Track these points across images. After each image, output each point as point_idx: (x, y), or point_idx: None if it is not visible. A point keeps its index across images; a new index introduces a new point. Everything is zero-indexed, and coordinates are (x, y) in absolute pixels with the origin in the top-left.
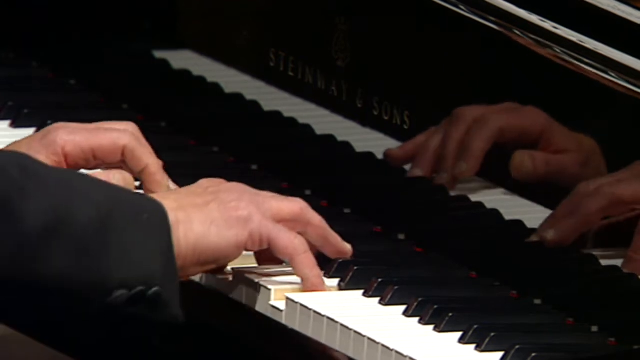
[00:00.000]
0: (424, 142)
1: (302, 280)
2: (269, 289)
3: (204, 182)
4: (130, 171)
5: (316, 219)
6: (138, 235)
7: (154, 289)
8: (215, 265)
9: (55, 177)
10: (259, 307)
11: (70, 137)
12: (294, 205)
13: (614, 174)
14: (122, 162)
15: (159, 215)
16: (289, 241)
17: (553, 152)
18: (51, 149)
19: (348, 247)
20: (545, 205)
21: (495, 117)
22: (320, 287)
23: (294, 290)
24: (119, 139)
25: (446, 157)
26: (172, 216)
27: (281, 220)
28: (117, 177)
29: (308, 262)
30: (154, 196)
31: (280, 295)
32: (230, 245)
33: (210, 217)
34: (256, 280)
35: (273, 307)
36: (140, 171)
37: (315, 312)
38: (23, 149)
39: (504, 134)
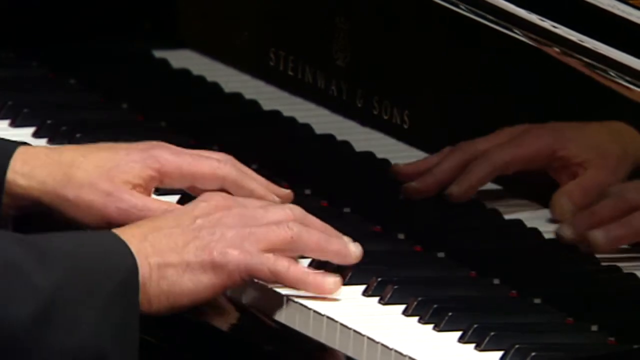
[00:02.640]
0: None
1: (304, 291)
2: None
3: (198, 208)
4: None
5: (311, 241)
6: (88, 315)
7: None
8: (195, 306)
9: None
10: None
11: (173, 158)
12: (285, 235)
13: None
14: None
15: (126, 276)
16: (270, 269)
17: (576, 166)
18: (150, 162)
19: (353, 251)
20: (546, 205)
21: (499, 151)
22: (323, 289)
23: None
24: (219, 169)
25: (436, 176)
26: (144, 264)
27: (273, 250)
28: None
29: (296, 275)
30: (131, 240)
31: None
32: (206, 290)
33: (186, 261)
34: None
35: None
36: (247, 196)
37: (315, 311)
38: (121, 153)
39: (508, 168)
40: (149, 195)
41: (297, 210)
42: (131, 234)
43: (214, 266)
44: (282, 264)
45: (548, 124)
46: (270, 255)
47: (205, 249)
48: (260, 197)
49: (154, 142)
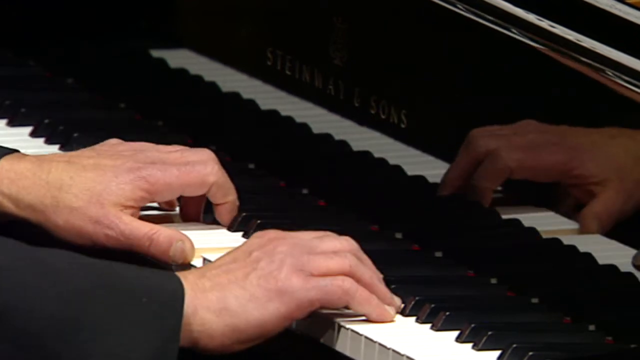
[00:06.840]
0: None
1: (366, 316)
2: None
3: (252, 244)
4: (211, 199)
5: (365, 276)
6: (120, 328)
7: None
8: (262, 339)
9: (26, 271)
10: None
11: (161, 175)
12: (343, 263)
13: None
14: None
15: (168, 299)
16: (341, 290)
17: (593, 185)
18: (139, 183)
19: (396, 302)
20: (543, 204)
21: (507, 155)
22: (385, 317)
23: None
24: (207, 176)
25: (447, 183)
26: (201, 298)
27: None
28: (179, 246)
29: (364, 296)
30: (187, 276)
31: None
32: (273, 319)
33: (249, 292)
34: None
35: None
36: (219, 204)
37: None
38: (109, 174)
39: (513, 173)
40: (139, 213)
41: (352, 243)
42: (188, 271)
43: (281, 293)
44: (351, 283)
45: (566, 141)
46: (338, 276)
47: (268, 278)
48: (229, 211)
49: (140, 161)
